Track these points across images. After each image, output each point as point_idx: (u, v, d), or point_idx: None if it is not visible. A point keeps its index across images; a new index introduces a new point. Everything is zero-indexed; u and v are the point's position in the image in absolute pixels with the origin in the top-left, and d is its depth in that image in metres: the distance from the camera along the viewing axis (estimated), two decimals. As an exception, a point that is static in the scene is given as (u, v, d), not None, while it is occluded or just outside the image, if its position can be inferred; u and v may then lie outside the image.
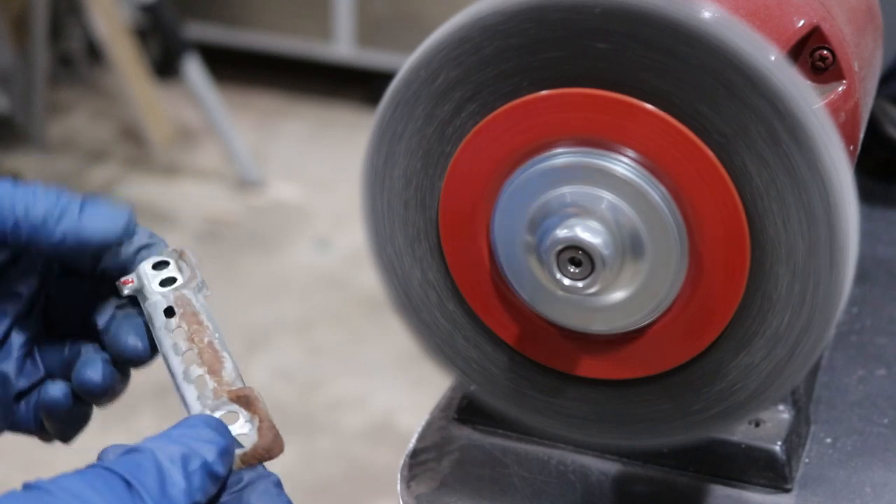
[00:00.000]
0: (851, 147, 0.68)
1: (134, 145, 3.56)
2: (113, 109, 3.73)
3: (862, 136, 0.71)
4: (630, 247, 0.60)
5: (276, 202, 3.27)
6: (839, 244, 0.58)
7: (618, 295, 0.62)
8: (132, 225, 0.66)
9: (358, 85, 3.79)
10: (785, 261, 0.60)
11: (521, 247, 0.63)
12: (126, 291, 0.66)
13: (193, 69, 3.25)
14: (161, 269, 0.67)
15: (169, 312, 0.65)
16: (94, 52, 3.67)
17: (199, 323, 0.65)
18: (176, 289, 0.66)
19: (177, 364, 0.63)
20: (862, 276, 0.92)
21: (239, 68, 3.89)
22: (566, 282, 0.60)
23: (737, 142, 0.58)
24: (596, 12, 0.58)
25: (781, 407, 0.75)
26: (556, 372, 0.67)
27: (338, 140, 3.58)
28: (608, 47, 0.59)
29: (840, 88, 0.67)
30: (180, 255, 0.67)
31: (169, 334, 0.64)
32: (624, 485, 0.74)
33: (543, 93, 0.61)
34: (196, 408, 0.61)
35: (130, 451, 0.56)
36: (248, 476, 0.58)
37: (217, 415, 0.60)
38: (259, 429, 0.60)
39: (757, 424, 0.74)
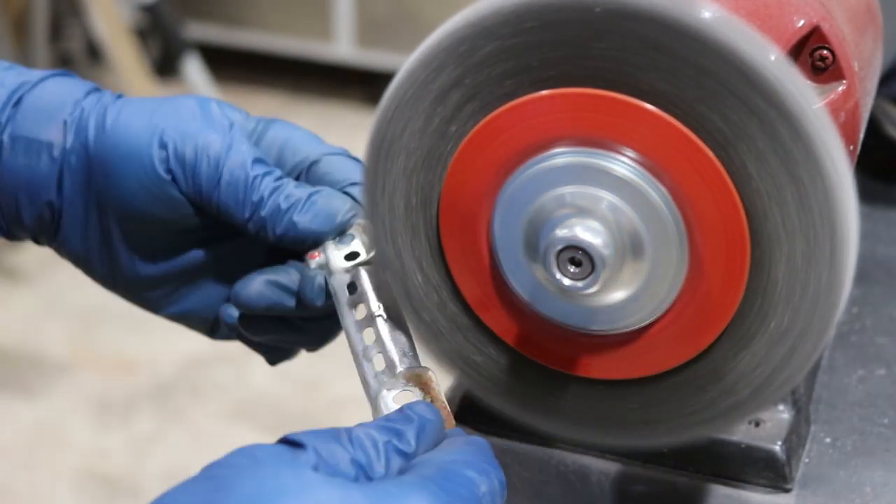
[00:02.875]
0: (851, 147, 0.68)
1: (134, 145, 3.56)
2: (113, 109, 3.73)
3: (862, 136, 0.71)
4: (630, 247, 0.60)
5: (276, 202, 3.27)
6: (839, 244, 0.58)
7: (618, 295, 0.62)
8: (351, 219, 0.72)
9: (358, 85, 3.79)
10: (785, 261, 0.60)
11: (521, 247, 0.63)
12: (312, 265, 0.70)
13: (193, 69, 3.25)
14: (346, 242, 0.70)
15: (351, 288, 0.69)
16: (94, 52, 3.67)
17: (379, 300, 0.69)
18: (358, 265, 0.70)
19: (357, 341, 0.67)
20: (862, 276, 0.92)
21: (239, 68, 3.89)
22: (566, 282, 0.60)
23: (737, 142, 0.58)
24: (596, 12, 0.58)
25: (781, 407, 0.75)
26: (556, 372, 0.67)
27: (338, 140, 3.55)
28: (608, 47, 0.59)
29: (840, 88, 0.67)
30: (363, 230, 0.71)
31: (351, 311, 0.68)
32: (624, 485, 0.74)
33: (543, 93, 0.61)
34: (373, 386, 0.66)
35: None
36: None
37: (392, 393, 0.64)
38: (432, 402, 0.63)
39: (757, 424, 0.74)
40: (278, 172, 0.72)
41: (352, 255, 0.70)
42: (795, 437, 0.75)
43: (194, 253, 0.75)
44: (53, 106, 0.74)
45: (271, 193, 0.71)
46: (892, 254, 1.01)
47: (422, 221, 0.67)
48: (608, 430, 0.68)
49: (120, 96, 0.75)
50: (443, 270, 0.67)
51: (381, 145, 0.65)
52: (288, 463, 0.54)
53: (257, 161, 0.72)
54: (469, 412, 0.78)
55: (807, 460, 0.76)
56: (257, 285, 0.72)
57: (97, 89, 0.75)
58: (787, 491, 0.73)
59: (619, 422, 0.67)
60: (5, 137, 0.74)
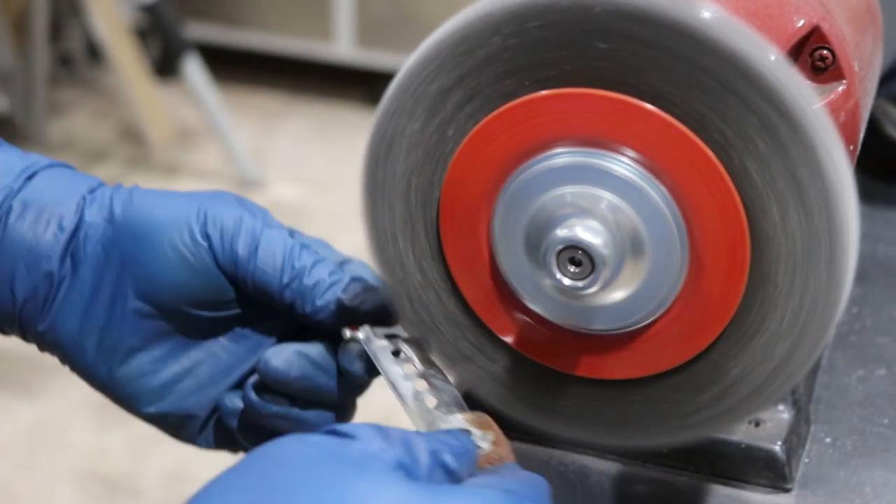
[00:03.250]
0: (851, 147, 0.68)
1: (134, 145, 3.56)
2: (113, 109, 3.73)
3: (862, 136, 0.71)
4: (630, 247, 0.60)
5: (276, 202, 3.27)
6: (839, 244, 0.58)
7: (618, 295, 0.62)
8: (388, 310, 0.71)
9: (358, 85, 3.79)
10: (785, 260, 0.60)
11: (521, 246, 0.63)
12: (357, 334, 0.70)
13: (193, 69, 3.25)
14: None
15: (395, 354, 0.69)
16: (94, 52, 3.67)
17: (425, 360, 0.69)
18: (399, 338, 0.71)
19: (407, 387, 0.67)
20: (862, 276, 0.92)
21: (239, 68, 3.89)
22: (566, 282, 0.60)
23: (737, 142, 0.58)
24: (596, 12, 0.58)
25: (781, 407, 0.75)
26: (556, 372, 0.67)
27: (338, 140, 3.58)
28: (608, 47, 0.59)
29: (840, 88, 0.67)
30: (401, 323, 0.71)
31: (396, 365, 0.68)
32: (624, 485, 0.74)
33: (543, 93, 0.61)
34: (427, 418, 0.65)
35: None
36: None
37: (450, 425, 0.63)
38: (495, 442, 0.62)
39: (757, 424, 0.74)
40: (317, 254, 0.73)
41: (391, 336, 0.71)
42: (795, 437, 0.75)
43: (206, 341, 0.74)
44: (67, 187, 0.74)
45: (314, 265, 0.71)
46: (892, 254, 1.01)
47: (422, 221, 0.67)
48: (608, 430, 0.68)
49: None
50: (443, 270, 0.67)
51: (381, 145, 0.65)
52: (344, 460, 0.52)
53: (295, 234, 0.73)
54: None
55: (807, 460, 0.76)
56: (289, 354, 0.71)
57: (103, 183, 0.76)
58: (787, 491, 0.73)
59: (619, 422, 0.67)
60: (16, 203, 0.72)
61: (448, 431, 0.60)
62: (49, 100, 3.64)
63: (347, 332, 0.70)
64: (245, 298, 0.73)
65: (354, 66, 3.74)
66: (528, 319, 0.66)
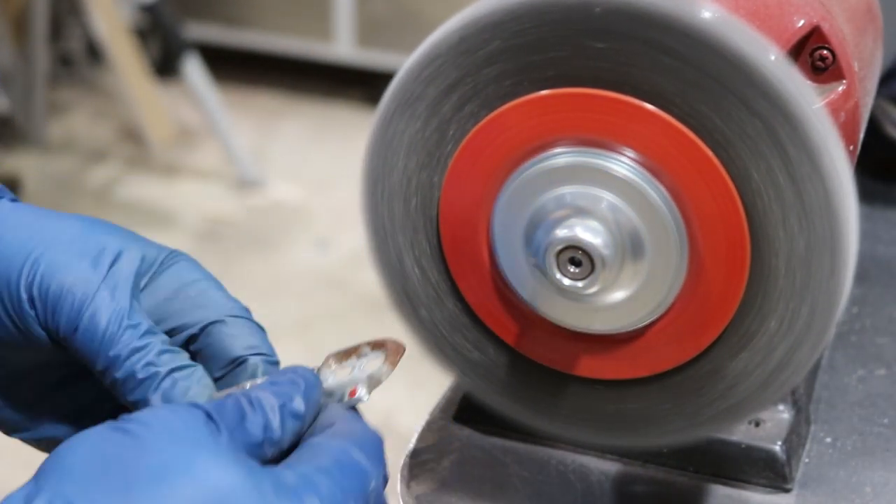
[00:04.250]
0: (851, 147, 0.68)
1: (134, 145, 3.56)
2: (113, 109, 3.73)
3: (862, 136, 0.71)
4: (630, 247, 0.60)
5: (275, 202, 3.27)
6: (839, 244, 0.58)
7: (618, 295, 0.62)
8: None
9: (358, 85, 3.79)
10: (785, 261, 0.60)
11: (520, 246, 0.63)
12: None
13: (193, 69, 3.25)
14: None
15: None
16: (94, 52, 3.67)
17: None
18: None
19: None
20: (862, 276, 0.92)
21: (239, 68, 3.89)
22: (566, 282, 0.60)
23: (737, 142, 0.58)
24: (596, 12, 0.58)
25: (781, 407, 0.75)
26: (556, 372, 0.67)
27: (338, 140, 3.58)
28: (608, 47, 0.59)
29: (840, 88, 0.67)
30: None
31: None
32: (624, 485, 0.75)
33: (543, 93, 0.61)
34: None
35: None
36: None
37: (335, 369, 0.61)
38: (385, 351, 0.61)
39: (757, 424, 0.74)
40: (145, 328, 0.62)
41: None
42: (795, 437, 0.75)
43: (48, 391, 0.68)
44: None
45: (129, 355, 0.62)
46: (892, 254, 1.01)
47: (422, 222, 0.67)
48: (608, 430, 0.68)
49: (14, 200, 0.66)
50: (443, 270, 0.67)
51: (380, 145, 0.65)
52: (202, 435, 0.53)
53: (128, 311, 0.63)
54: (469, 412, 0.78)
55: (807, 460, 0.76)
56: None
57: None
58: (787, 491, 0.73)
59: (619, 422, 0.67)
60: None
61: (293, 370, 0.59)
62: (49, 100, 3.64)
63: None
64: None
65: (354, 66, 3.74)
66: (527, 319, 0.66)
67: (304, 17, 3.74)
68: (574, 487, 0.74)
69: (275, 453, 0.56)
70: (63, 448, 0.53)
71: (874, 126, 1.05)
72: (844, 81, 0.67)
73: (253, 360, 0.64)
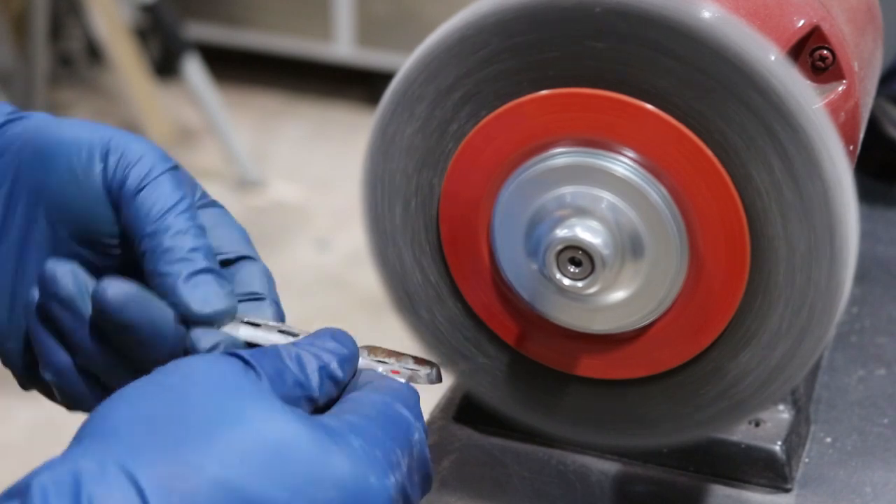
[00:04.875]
0: (851, 147, 0.68)
1: (134, 145, 3.56)
2: (113, 109, 3.73)
3: (862, 136, 0.71)
4: (630, 247, 0.60)
5: (275, 202, 3.27)
6: (839, 244, 0.58)
7: (618, 295, 0.62)
8: (222, 318, 0.63)
9: (358, 85, 3.79)
10: (785, 260, 0.60)
11: (520, 246, 0.63)
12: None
13: (193, 69, 3.25)
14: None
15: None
16: (94, 52, 3.67)
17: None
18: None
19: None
20: (862, 276, 0.92)
21: (239, 68, 3.89)
22: (566, 282, 0.60)
23: (737, 142, 0.58)
24: (596, 12, 0.58)
25: (781, 407, 0.75)
26: (557, 372, 0.67)
27: (338, 140, 3.58)
28: (608, 47, 0.59)
29: (840, 88, 0.67)
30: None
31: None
32: (624, 485, 0.74)
33: (543, 93, 0.61)
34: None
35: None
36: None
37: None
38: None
39: (757, 424, 0.74)
40: (199, 220, 0.64)
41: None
42: (795, 437, 0.75)
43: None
44: None
45: (183, 231, 0.63)
46: (892, 254, 1.01)
47: (422, 222, 0.67)
48: (608, 430, 0.68)
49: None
50: (443, 270, 0.67)
51: (380, 145, 0.65)
52: (245, 384, 0.53)
53: (198, 195, 0.66)
54: (469, 412, 0.78)
55: (807, 460, 0.76)
56: (128, 289, 0.61)
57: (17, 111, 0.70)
58: (787, 491, 0.73)
59: (619, 422, 0.67)
60: None
61: (332, 335, 0.60)
62: (49, 100, 3.64)
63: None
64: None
65: (354, 66, 3.74)
66: (527, 319, 0.66)
67: (304, 17, 3.74)
68: (574, 487, 0.74)
69: (310, 410, 0.56)
70: (103, 408, 0.53)
71: (874, 126, 1.05)
72: (844, 81, 0.67)
73: (269, 301, 0.66)
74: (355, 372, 0.59)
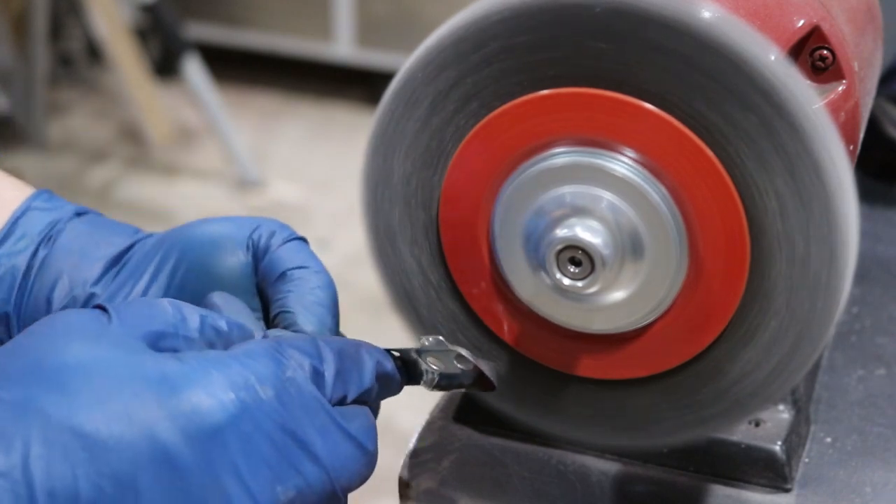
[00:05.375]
0: (851, 147, 0.68)
1: (134, 145, 3.56)
2: (113, 109, 3.73)
3: (862, 136, 0.71)
4: (630, 247, 0.60)
5: (276, 202, 3.27)
6: (839, 244, 0.58)
7: (618, 295, 0.62)
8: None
9: (358, 85, 3.79)
10: (785, 260, 0.60)
11: (520, 246, 0.63)
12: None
13: (193, 69, 3.25)
14: None
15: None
16: (94, 52, 3.67)
17: None
18: None
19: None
20: (862, 276, 0.92)
21: (239, 68, 3.89)
22: (566, 282, 0.60)
23: (737, 141, 0.58)
24: (596, 11, 0.58)
25: (781, 407, 0.75)
26: (556, 372, 0.67)
27: (338, 140, 3.58)
28: (608, 47, 0.59)
29: (840, 88, 0.67)
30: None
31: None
32: (624, 485, 0.74)
33: (543, 93, 0.61)
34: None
35: None
36: None
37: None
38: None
39: (757, 424, 0.74)
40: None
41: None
42: (795, 437, 0.75)
43: None
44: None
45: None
46: (892, 254, 1.01)
47: (422, 221, 0.67)
48: (608, 430, 0.68)
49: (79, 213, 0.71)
50: (442, 270, 0.67)
51: (380, 145, 0.65)
52: (91, 331, 0.53)
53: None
54: (469, 412, 0.78)
55: (807, 460, 0.76)
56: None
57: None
58: (787, 491, 0.73)
59: (619, 422, 0.67)
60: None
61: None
62: (49, 100, 3.64)
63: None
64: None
65: (354, 66, 3.74)
66: (527, 319, 0.66)
67: (304, 17, 3.73)
68: (574, 487, 0.74)
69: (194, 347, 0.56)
70: None
71: (874, 126, 1.05)
72: (844, 81, 0.67)
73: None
74: (245, 336, 0.58)
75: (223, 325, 0.57)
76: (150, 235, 0.70)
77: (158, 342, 0.55)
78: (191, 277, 0.67)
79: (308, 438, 0.54)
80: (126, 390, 0.51)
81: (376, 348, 0.61)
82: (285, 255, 0.66)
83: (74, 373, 0.51)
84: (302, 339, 0.58)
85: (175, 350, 0.55)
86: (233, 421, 0.52)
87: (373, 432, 0.58)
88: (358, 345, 0.60)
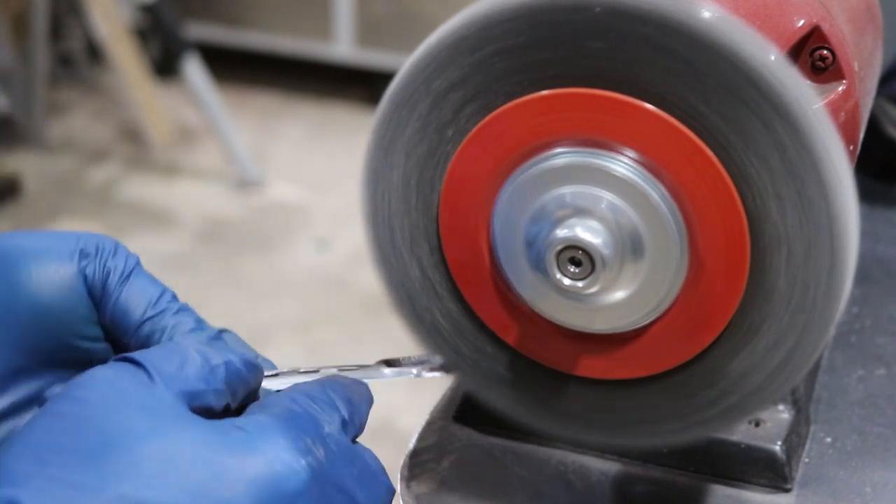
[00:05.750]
0: (851, 147, 0.68)
1: (134, 145, 3.56)
2: (113, 109, 3.73)
3: (862, 136, 0.71)
4: (630, 247, 0.60)
5: (276, 202, 3.28)
6: (839, 244, 0.58)
7: (618, 295, 0.62)
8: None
9: (358, 85, 3.79)
10: (785, 260, 0.60)
11: (521, 246, 0.63)
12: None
13: (193, 69, 3.25)
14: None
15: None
16: (94, 52, 3.67)
17: None
18: None
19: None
20: (862, 276, 0.92)
21: (239, 68, 3.89)
22: (566, 282, 0.60)
23: (737, 141, 0.58)
24: (596, 11, 0.58)
25: (781, 407, 0.75)
26: (557, 372, 0.67)
27: (338, 140, 3.58)
28: (608, 47, 0.59)
29: (840, 88, 0.67)
30: None
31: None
32: (624, 485, 0.75)
33: (543, 93, 0.61)
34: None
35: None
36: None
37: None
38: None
39: (757, 424, 0.74)
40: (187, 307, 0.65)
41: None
42: (795, 437, 0.75)
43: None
44: None
45: (179, 311, 0.64)
46: (892, 254, 1.01)
47: (422, 221, 0.67)
48: (608, 430, 0.68)
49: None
50: (443, 270, 0.67)
51: (380, 145, 0.65)
52: (136, 393, 0.53)
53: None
54: (469, 412, 0.78)
55: (807, 460, 0.76)
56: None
57: None
58: (787, 491, 0.73)
59: (619, 422, 0.67)
60: None
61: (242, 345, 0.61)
62: (49, 100, 3.64)
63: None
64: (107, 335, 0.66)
65: (354, 66, 3.74)
66: (527, 319, 0.66)
67: (304, 17, 3.74)
68: (574, 487, 0.74)
69: (220, 406, 0.56)
70: (13, 438, 0.52)
71: (874, 126, 1.05)
72: (844, 81, 0.67)
73: (261, 357, 0.65)
74: (259, 378, 0.59)
75: (243, 370, 0.58)
76: None
77: (193, 402, 0.55)
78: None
79: (352, 489, 0.55)
80: (200, 468, 0.51)
81: (361, 382, 0.62)
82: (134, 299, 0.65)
83: (144, 451, 0.51)
84: (315, 387, 0.59)
85: (208, 406, 0.55)
86: (306, 486, 0.53)
87: (380, 462, 0.59)
88: (353, 382, 0.61)
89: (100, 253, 0.64)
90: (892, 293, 0.95)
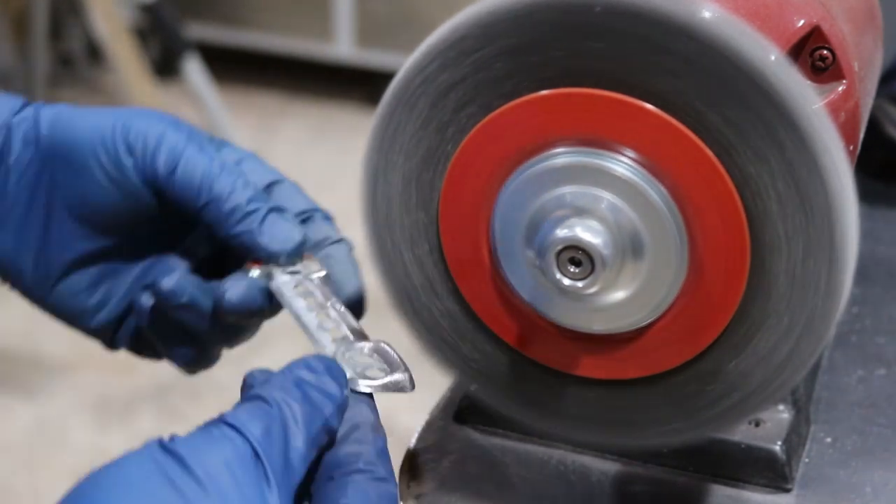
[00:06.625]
0: (851, 147, 0.68)
1: (134, 145, 3.56)
2: (113, 109, 3.73)
3: (862, 136, 0.71)
4: (630, 247, 0.60)
5: (276, 202, 3.27)
6: (839, 244, 0.58)
7: (618, 295, 0.62)
8: (302, 249, 0.71)
9: (358, 85, 3.79)
10: (785, 260, 0.60)
11: (520, 247, 0.63)
12: (257, 273, 0.70)
13: (193, 69, 3.25)
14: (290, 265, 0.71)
15: (298, 290, 0.70)
16: (94, 52, 3.67)
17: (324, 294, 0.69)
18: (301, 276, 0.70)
19: (311, 318, 0.67)
20: (862, 276, 0.92)
21: (239, 68, 3.89)
22: (566, 282, 0.60)
23: (737, 142, 0.58)
24: (596, 11, 0.58)
25: (781, 407, 0.75)
26: (557, 372, 0.67)
27: (338, 140, 3.58)
28: (608, 46, 0.59)
29: (840, 88, 0.67)
30: (310, 262, 0.72)
31: (299, 298, 0.69)
32: (624, 485, 0.74)
33: (543, 93, 0.61)
34: (331, 349, 0.65)
35: (260, 402, 0.57)
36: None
37: (348, 356, 0.64)
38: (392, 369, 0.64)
39: (757, 424, 0.74)
40: (239, 172, 0.71)
41: (294, 273, 0.71)
42: (795, 437, 0.75)
43: (139, 258, 0.75)
44: None
45: (233, 191, 0.70)
46: (892, 254, 1.01)
47: (422, 221, 0.67)
48: (608, 430, 0.68)
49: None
50: (442, 270, 0.67)
51: (380, 145, 0.65)
52: (256, 494, 0.53)
53: (223, 149, 0.73)
54: (469, 412, 0.78)
55: (807, 460, 0.76)
56: (244, 288, 0.70)
57: (28, 103, 0.75)
58: (787, 491, 0.73)
59: (619, 422, 0.67)
60: None
61: (329, 370, 0.61)
62: (49, 100, 3.64)
63: (255, 271, 0.70)
64: (174, 212, 0.72)
65: (354, 66, 3.74)
66: (528, 319, 0.66)
67: (304, 17, 3.74)
68: (574, 487, 0.74)
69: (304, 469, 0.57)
70: (104, 480, 0.55)
71: (874, 126, 1.05)
72: (844, 81, 0.67)
73: (317, 214, 0.74)
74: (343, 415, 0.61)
75: (335, 423, 0.59)
76: (23, 118, 0.73)
77: (294, 477, 0.56)
78: (68, 193, 0.72)
79: None
80: None
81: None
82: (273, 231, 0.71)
83: None
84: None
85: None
86: None
87: None
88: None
89: (145, 151, 0.71)
90: (892, 293, 0.95)
